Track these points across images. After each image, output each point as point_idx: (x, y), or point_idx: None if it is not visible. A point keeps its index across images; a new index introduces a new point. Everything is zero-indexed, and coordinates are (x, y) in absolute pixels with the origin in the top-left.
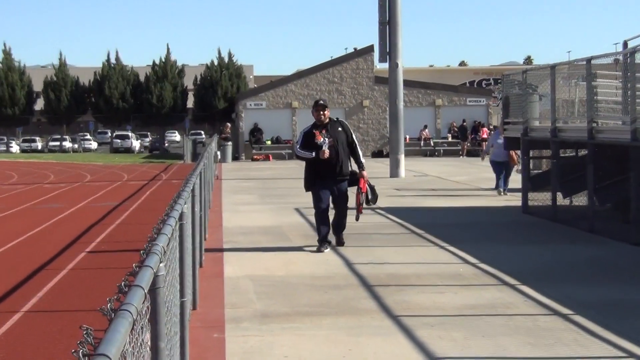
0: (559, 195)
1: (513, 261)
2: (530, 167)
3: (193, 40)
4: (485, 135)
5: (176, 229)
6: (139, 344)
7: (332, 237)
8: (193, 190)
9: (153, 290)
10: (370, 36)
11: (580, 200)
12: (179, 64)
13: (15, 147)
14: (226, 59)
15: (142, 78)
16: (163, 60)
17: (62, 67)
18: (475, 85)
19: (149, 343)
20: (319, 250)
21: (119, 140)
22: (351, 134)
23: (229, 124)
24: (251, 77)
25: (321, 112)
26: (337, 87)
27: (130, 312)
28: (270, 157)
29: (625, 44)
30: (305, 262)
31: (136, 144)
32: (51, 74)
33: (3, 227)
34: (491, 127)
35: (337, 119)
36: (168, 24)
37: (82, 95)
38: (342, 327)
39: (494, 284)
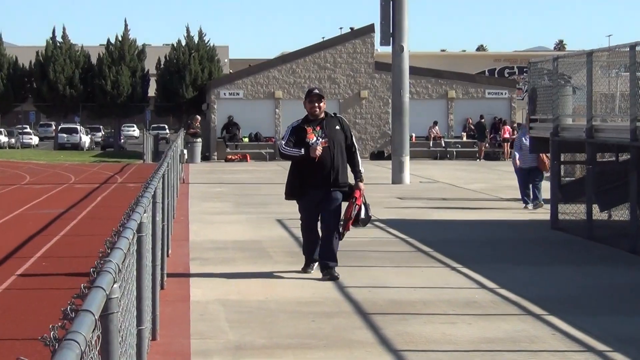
0: (595, 208)
1: (539, 286)
2: (561, 174)
3: (156, 15)
4: (507, 135)
5: (133, 242)
6: None
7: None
8: (154, 196)
9: (105, 316)
10: (370, 14)
11: (621, 214)
12: (139, 43)
13: None
14: (196, 39)
15: (94, 60)
16: (120, 39)
17: None
18: (495, 75)
19: None
20: (304, 271)
21: (65, 135)
22: (351, 136)
23: (198, 117)
24: (226, 60)
25: (316, 104)
26: (329, 75)
27: (77, 342)
28: (248, 158)
29: None
30: (289, 284)
31: (86, 139)
32: None
33: None
34: (515, 124)
35: (335, 114)
36: None
37: (21, 79)
38: None
39: (516, 313)
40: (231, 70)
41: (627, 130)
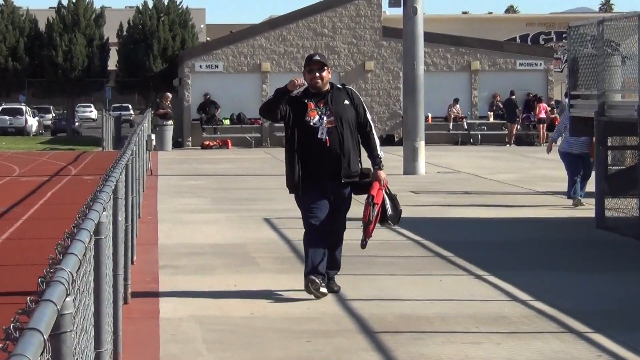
0: None
1: (582, 298)
2: (608, 161)
3: None
4: (543, 115)
5: (90, 247)
6: None
7: None
8: (116, 191)
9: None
10: None
11: None
12: (97, 6)
13: None
14: (166, 0)
15: (42, 27)
16: (73, 0)
17: None
18: (529, 42)
19: None
20: (308, 289)
21: (7, 117)
22: (364, 111)
23: (169, 95)
24: (202, 26)
25: (316, 74)
26: (328, 43)
27: None
28: (230, 144)
29: None
30: (279, 297)
31: (33, 122)
32: None
33: None
34: (552, 102)
35: (344, 85)
36: None
37: None
38: None
39: (553, 330)
40: (208, 38)
41: None
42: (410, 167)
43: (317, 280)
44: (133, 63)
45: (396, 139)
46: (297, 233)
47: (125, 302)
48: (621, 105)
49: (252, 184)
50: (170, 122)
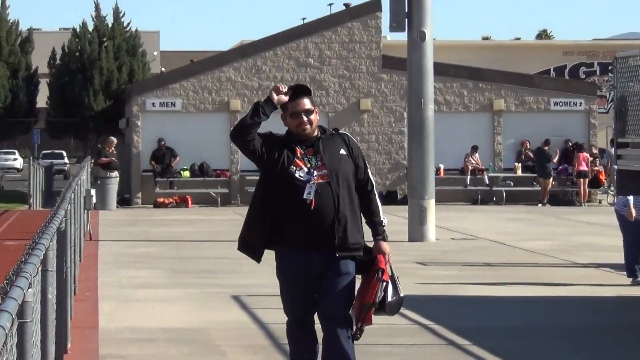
0: None
1: None
2: None
3: None
4: (583, 167)
5: (12, 333)
6: None
7: None
8: (45, 262)
9: None
10: None
11: None
12: (23, 27)
13: None
14: (110, 21)
15: None
16: None
17: None
18: (566, 75)
19: None
20: None
21: None
22: (364, 165)
23: (113, 140)
24: (155, 54)
25: (304, 118)
26: (313, 75)
27: None
28: (190, 201)
29: None
30: None
31: None
32: None
33: None
34: (595, 151)
35: (336, 131)
36: None
37: None
38: None
39: None
40: (163, 69)
41: None
42: (416, 231)
43: None
44: (68, 99)
45: (399, 197)
46: (272, 314)
47: None
48: None
49: (218, 252)
50: (115, 173)
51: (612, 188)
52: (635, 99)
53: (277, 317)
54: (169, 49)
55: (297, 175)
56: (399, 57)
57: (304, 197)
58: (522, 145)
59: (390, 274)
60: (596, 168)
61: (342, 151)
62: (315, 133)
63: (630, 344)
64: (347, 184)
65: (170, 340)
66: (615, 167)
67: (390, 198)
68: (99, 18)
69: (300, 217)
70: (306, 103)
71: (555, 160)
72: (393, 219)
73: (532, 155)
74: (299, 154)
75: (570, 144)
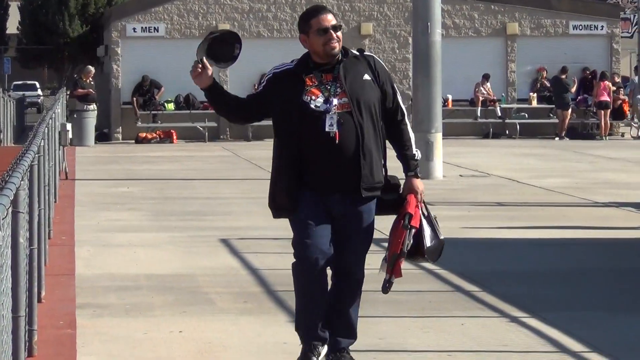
0: None
1: None
2: None
3: None
4: (605, 97)
5: None
6: None
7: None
8: (16, 203)
9: None
10: None
11: None
12: None
13: None
14: None
15: None
16: None
17: None
18: None
19: None
20: None
21: None
22: (393, 91)
23: (91, 69)
24: None
25: (333, 33)
26: None
27: None
28: (175, 136)
29: None
30: (242, 348)
31: None
32: None
33: None
34: (618, 79)
35: (362, 52)
36: None
37: None
38: None
39: None
40: None
41: None
42: (422, 168)
43: (319, 349)
44: (41, 25)
45: None
46: (265, 259)
47: (30, 354)
48: None
49: (205, 192)
50: (93, 106)
51: (635, 120)
52: None
53: (270, 262)
54: None
55: (312, 105)
56: None
57: (327, 129)
58: (539, 73)
59: (425, 215)
60: (621, 97)
61: (367, 76)
62: (338, 56)
63: (634, 284)
64: (370, 114)
65: (153, 287)
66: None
67: None
68: None
69: (323, 153)
70: (331, 18)
71: (573, 90)
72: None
73: (548, 85)
74: (312, 82)
75: (588, 72)
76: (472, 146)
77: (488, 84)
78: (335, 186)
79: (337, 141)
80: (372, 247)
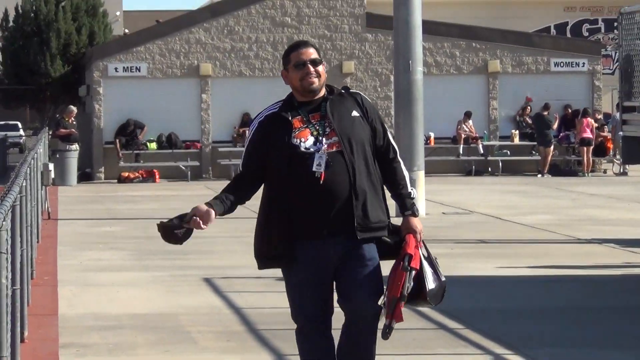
0: None
1: None
2: None
3: None
4: (587, 134)
5: None
6: None
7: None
8: None
9: None
10: None
11: None
12: None
13: None
14: None
15: None
16: None
17: None
18: (568, 34)
19: None
20: None
21: None
22: (383, 128)
23: (73, 109)
24: (118, 14)
25: (311, 68)
26: (291, 36)
27: None
28: (157, 175)
29: None
30: None
31: None
32: None
33: None
34: (599, 116)
35: (346, 89)
36: None
37: None
38: None
39: None
40: (127, 30)
41: None
42: None
43: None
44: (23, 65)
45: None
46: (249, 298)
47: None
48: None
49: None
50: (75, 146)
51: (617, 157)
52: None
53: (253, 301)
54: (132, 9)
55: (302, 148)
56: (385, 15)
57: (313, 169)
58: (521, 111)
59: (425, 256)
60: (603, 134)
61: (355, 112)
62: (322, 93)
63: (620, 321)
64: (363, 152)
65: (136, 327)
66: (621, 133)
67: None
68: None
69: (309, 196)
70: (312, 52)
71: (554, 127)
72: None
73: (530, 122)
74: (299, 124)
75: (570, 110)
76: (454, 184)
77: (470, 121)
78: (328, 230)
79: (321, 182)
80: None
